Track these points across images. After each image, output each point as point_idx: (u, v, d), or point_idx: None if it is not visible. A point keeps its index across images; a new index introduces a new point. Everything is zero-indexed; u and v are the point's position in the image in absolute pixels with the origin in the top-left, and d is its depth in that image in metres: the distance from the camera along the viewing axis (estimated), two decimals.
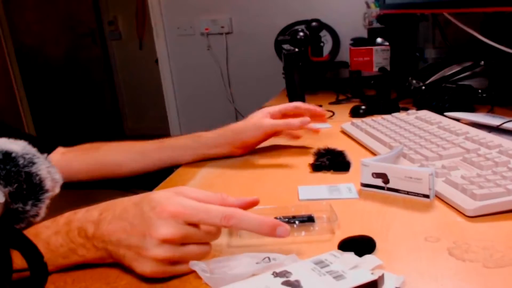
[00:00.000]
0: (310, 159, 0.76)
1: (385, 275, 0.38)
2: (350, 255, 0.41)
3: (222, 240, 0.50)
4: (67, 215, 0.46)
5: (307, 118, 0.79)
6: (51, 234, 0.44)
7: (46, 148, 0.76)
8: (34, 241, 0.39)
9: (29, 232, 0.44)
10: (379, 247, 0.47)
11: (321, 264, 0.40)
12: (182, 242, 0.42)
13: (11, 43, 3.03)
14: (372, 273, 0.38)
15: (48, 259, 0.39)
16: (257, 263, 0.42)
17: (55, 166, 0.48)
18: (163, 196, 0.43)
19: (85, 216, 0.45)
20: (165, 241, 0.40)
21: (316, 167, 0.72)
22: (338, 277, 0.37)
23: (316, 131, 0.84)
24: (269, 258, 0.43)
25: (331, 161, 0.72)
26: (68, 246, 0.44)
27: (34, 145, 0.48)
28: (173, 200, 0.42)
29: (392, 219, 0.54)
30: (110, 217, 0.43)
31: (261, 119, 0.79)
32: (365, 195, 0.61)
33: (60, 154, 0.80)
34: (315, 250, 0.47)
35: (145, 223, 0.41)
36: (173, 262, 0.42)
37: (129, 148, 0.80)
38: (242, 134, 0.80)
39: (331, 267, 0.39)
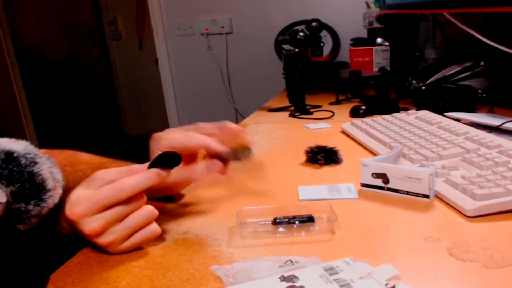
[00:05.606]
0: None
1: (398, 286, 0.37)
2: (364, 264, 0.40)
3: (222, 240, 0.50)
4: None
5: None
6: None
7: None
8: None
9: None
10: (379, 247, 0.47)
11: (330, 271, 0.39)
12: (113, 223, 0.46)
13: (11, 43, 3.03)
14: (386, 284, 0.37)
15: None
16: (280, 266, 0.42)
17: (57, 166, 0.48)
18: (73, 197, 0.47)
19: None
20: (96, 234, 0.46)
21: (312, 159, 0.75)
22: (344, 286, 0.37)
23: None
24: (291, 261, 0.43)
25: (327, 155, 0.75)
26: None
27: None
28: (73, 203, 0.46)
29: (392, 219, 0.54)
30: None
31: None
32: (365, 195, 0.61)
33: None
34: (315, 250, 0.47)
35: (74, 225, 0.47)
36: (127, 236, 0.48)
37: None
38: None
39: (340, 275, 0.38)
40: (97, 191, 0.46)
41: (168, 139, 0.58)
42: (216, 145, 0.57)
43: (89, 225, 0.45)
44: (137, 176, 0.47)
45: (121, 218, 0.47)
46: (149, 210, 0.48)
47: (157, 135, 0.60)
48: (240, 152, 0.59)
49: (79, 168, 0.69)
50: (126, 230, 0.47)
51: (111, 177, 0.47)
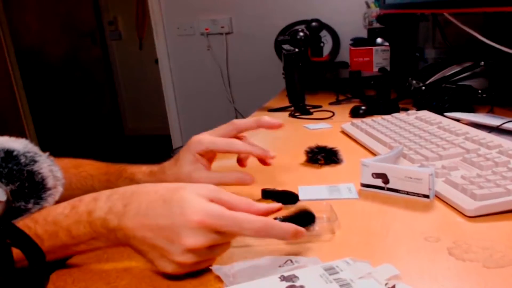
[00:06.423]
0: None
1: (398, 286, 0.37)
2: (364, 264, 0.40)
3: None
4: (87, 201, 0.44)
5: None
6: (71, 223, 0.43)
7: None
8: (54, 229, 0.42)
9: (47, 220, 0.44)
10: (379, 247, 0.47)
11: (330, 270, 0.39)
12: (208, 248, 0.42)
13: (11, 43, 3.03)
14: (386, 284, 0.37)
15: (70, 244, 0.43)
16: (280, 266, 0.42)
17: (57, 165, 0.48)
18: (195, 199, 0.41)
19: (107, 206, 0.43)
20: (192, 250, 0.40)
21: (312, 159, 0.75)
22: (344, 285, 0.37)
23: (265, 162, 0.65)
24: (291, 260, 0.43)
25: (327, 155, 0.75)
26: (90, 235, 0.43)
27: None
28: (204, 207, 0.41)
29: (392, 219, 0.54)
30: (135, 211, 0.42)
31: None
32: (365, 195, 0.61)
33: None
34: (315, 250, 0.47)
35: (173, 229, 0.40)
36: (197, 264, 0.42)
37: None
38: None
39: (340, 275, 0.38)
40: (237, 215, 0.41)
41: (211, 142, 0.60)
42: (261, 151, 0.61)
43: (195, 238, 0.40)
44: (280, 226, 0.42)
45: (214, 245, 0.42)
46: (227, 248, 0.44)
47: (198, 138, 0.60)
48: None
49: (83, 169, 0.68)
50: (205, 258, 0.42)
51: (238, 206, 0.43)
